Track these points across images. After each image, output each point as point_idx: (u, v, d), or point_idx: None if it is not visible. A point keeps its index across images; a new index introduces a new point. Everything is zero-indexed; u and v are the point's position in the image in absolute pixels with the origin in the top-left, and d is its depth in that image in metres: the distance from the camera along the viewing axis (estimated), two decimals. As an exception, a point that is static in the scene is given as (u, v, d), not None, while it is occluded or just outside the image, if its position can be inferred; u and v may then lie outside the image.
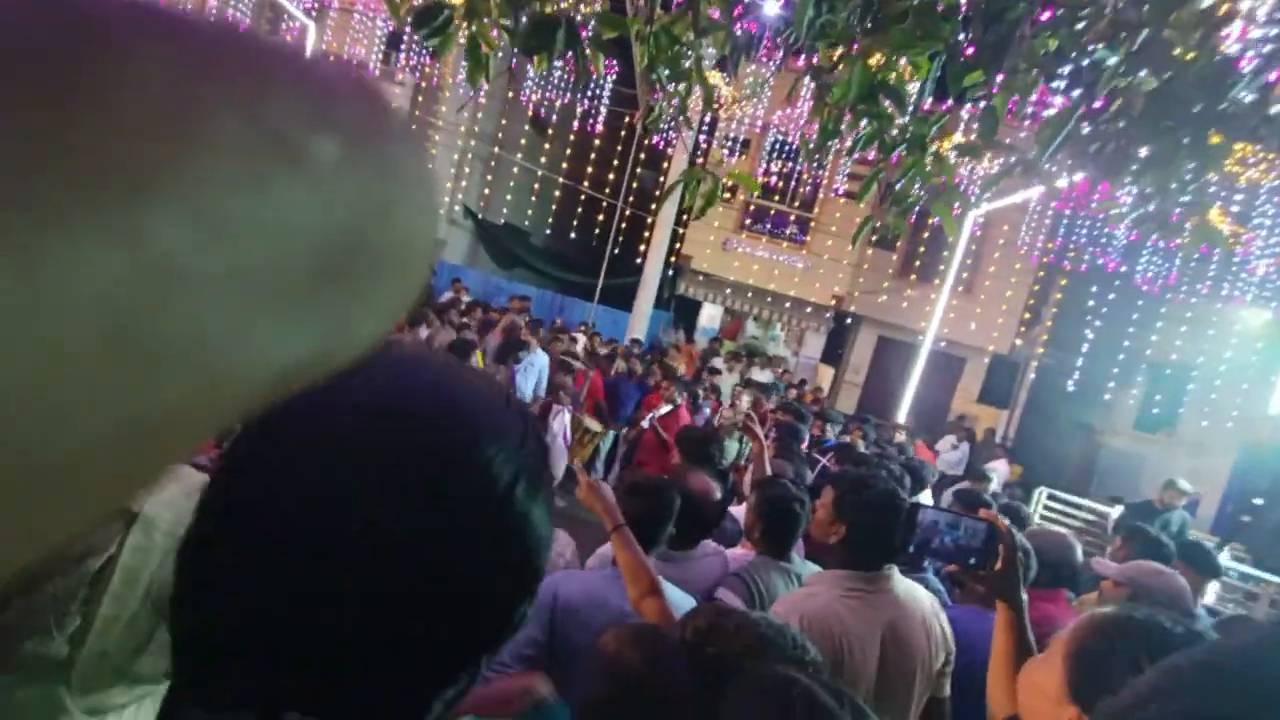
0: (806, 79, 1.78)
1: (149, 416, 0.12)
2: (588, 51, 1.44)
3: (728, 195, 11.15)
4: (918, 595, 1.59)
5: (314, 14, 9.62)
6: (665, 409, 5.25)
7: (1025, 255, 10.78)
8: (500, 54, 1.71)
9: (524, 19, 1.40)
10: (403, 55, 10.94)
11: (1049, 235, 10.50)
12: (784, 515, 1.87)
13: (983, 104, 1.73)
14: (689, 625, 0.95)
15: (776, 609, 1.54)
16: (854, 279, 11.67)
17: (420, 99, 11.14)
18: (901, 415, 8.54)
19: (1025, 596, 1.26)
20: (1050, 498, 7.83)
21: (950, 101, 2.04)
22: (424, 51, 10.52)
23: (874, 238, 11.58)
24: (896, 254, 11.66)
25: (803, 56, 1.80)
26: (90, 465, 0.12)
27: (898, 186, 1.96)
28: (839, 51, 1.60)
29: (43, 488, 0.11)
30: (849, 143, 1.71)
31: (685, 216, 9.73)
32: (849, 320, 12.27)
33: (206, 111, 0.13)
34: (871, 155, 2.09)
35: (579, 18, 1.37)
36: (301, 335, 0.15)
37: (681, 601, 1.58)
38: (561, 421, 5.39)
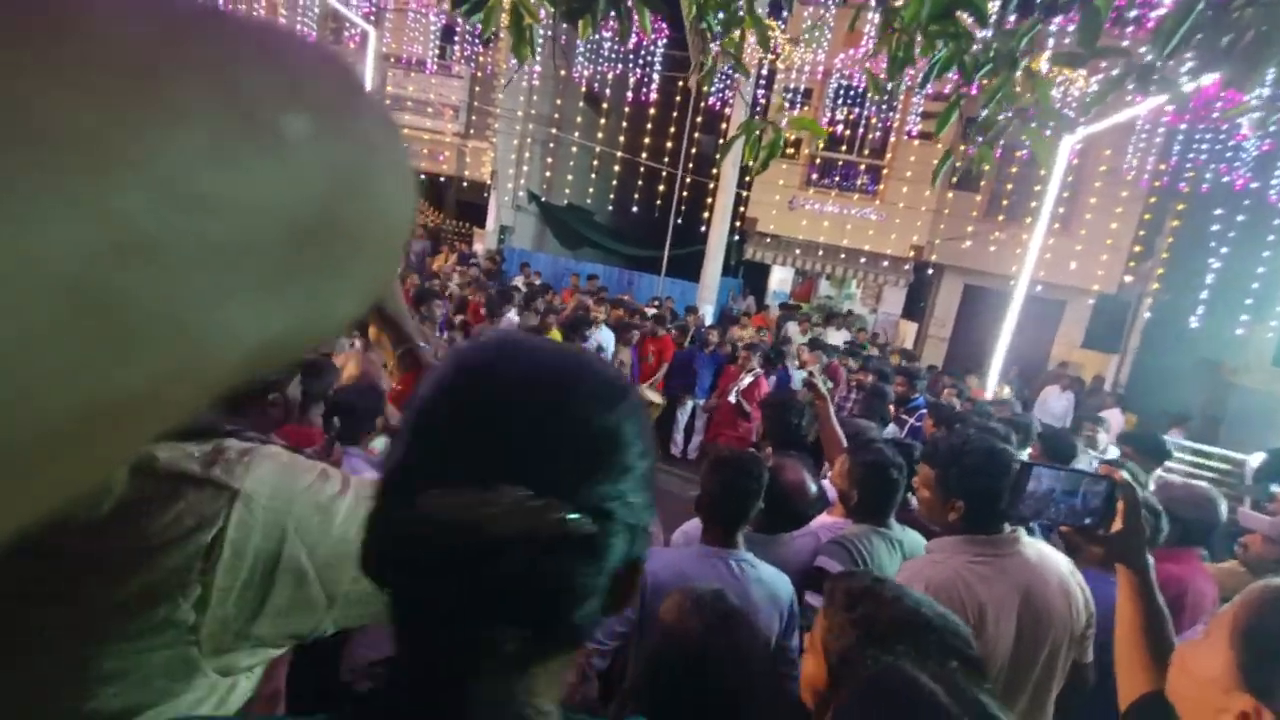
0: (871, 5, 1.61)
1: (121, 392, 0.13)
2: (633, 9, 1.36)
3: (790, 150, 10.68)
4: (1052, 556, 1.47)
5: (372, 19, 9.89)
6: (746, 380, 5.17)
7: (1132, 182, 9.69)
8: (548, 32, 1.66)
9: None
10: (457, 48, 11.10)
11: (1160, 156, 9.37)
12: (882, 481, 1.77)
13: (1078, 8, 1.50)
14: (840, 586, 0.91)
15: (898, 579, 1.47)
16: (934, 226, 10.94)
17: (476, 89, 11.29)
18: (995, 367, 7.99)
19: (1151, 559, 1.12)
20: (1174, 447, 7.11)
21: (1037, 13, 1.80)
22: (476, 42, 10.63)
23: (954, 179, 10.81)
24: (980, 194, 10.82)
25: (866, -18, 1.64)
26: (62, 440, 0.12)
27: (981, 115, 1.76)
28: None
29: (12, 462, 0.11)
30: (923, 72, 1.54)
31: (748, 178, 9.41)
32: (930, 271, 11.56)
33: (177, 85, 0.13)
34: (948, 87, 1.90)
35: (621, -28, 1.30)
36: (276, 311, 0.15)
37: (774, 579, 1.53)
38: None
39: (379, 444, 2.31)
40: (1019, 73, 1.51)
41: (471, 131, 11.40)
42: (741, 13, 1.56)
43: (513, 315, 5.88)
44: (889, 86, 1.73)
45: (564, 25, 1.39)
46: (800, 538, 1.89)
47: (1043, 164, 1.77)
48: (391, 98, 11.22)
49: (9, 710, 0.49)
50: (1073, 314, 10.95)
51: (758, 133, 1.60)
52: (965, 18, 1.42)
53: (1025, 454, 3.41)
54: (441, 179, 12.58)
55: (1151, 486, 2.66)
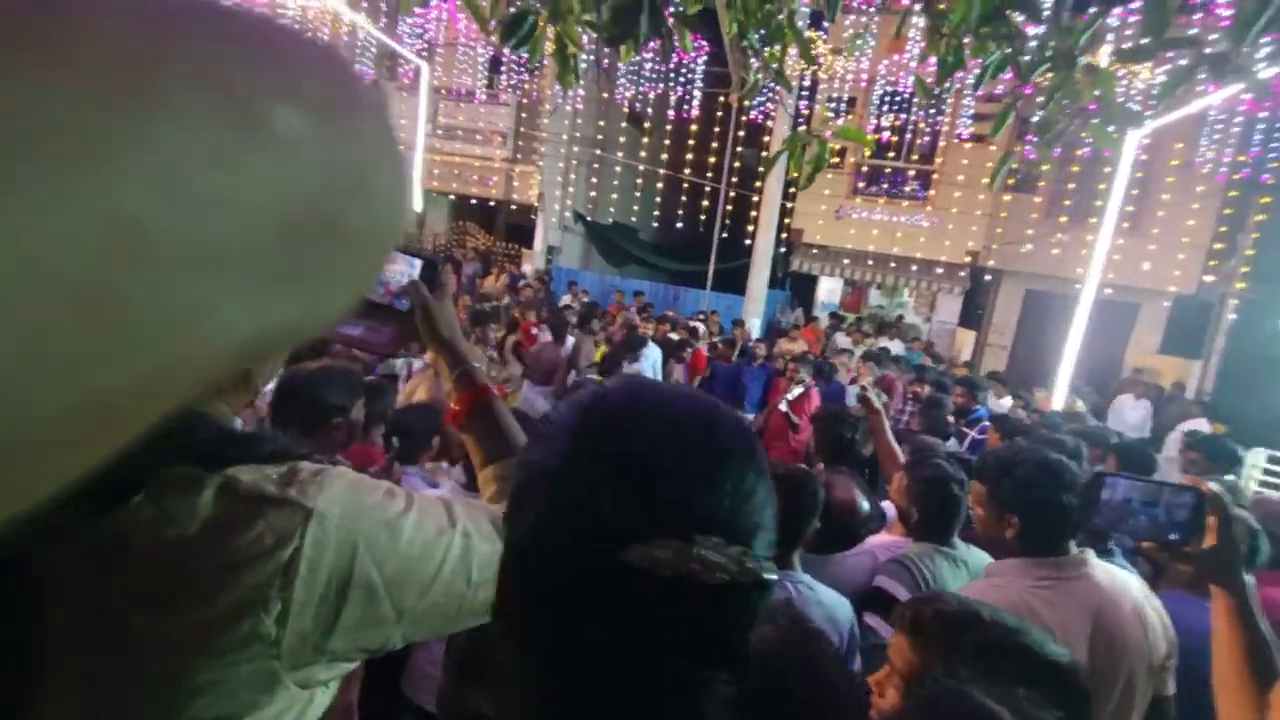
0: (916, 10, 1.58)
1: (114, 389, 0.13)
2: (674, 30, 1.38)
3: (836, 159, 10.53)
4: (1124, 579, 1.37)
5: (424, 54, 10.36)
6: (796, 391, 5.08)
7: (1209, 175, 9.11)
8: (590, 57, 1.69)
9: (604, 9, 1.37)
10: (503, 77, 11.49)
11: (1239, 147, 8.78)
12: (943, 498, 1.70)
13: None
14: (929, 607, 0.88)
15: None
16: (990, 230, 10.56)
17: (523, 115, 11.63)
18: (1064, 377, 7.57)
19: (1251, 580, 1.03)
20: (1272, 460, 6.51)
21: (1096, 7, 1.72)
22: (522, 71, 10.98)
23: (1011, 181, 10.42)
24: (1040, 195, 10.39)
25: (910, -13, 1.61)
26: (53, 436, 0.12)
27: (1035, 116, 1.69)
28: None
29: (10, 456, 0.12)
30: (974, 75, 1.49)
31: (792, 189, 9.33)
32: (988, 277, 11.13)
33: (173, 80, 0.13)
34: (1001, 88, 1.83)
35: (660, -4, 1.32)
36: (269, 307, 0.15)
37: (833, 602, 1.49)
38: None
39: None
40: (1079, 70, 1.45)
41: (519, 156, 11.73)
42: (784, 27, 1.56)
43: (570, 338, 5.97)
44: (937, 92, 1.69)
45: (606, 50, 1.42)
46: (854, 557, 1.83)
47: (1111, 157, 1.68)
48: (443, 127, 11.68)
49: (113, 718, 0.52)
50: (1148, 317, 10.33)
51: (802, 146, 1.59)
52: (1017, 17, 1.37)
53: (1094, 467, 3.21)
54: (491, 203, 12.96)
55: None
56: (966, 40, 1.45)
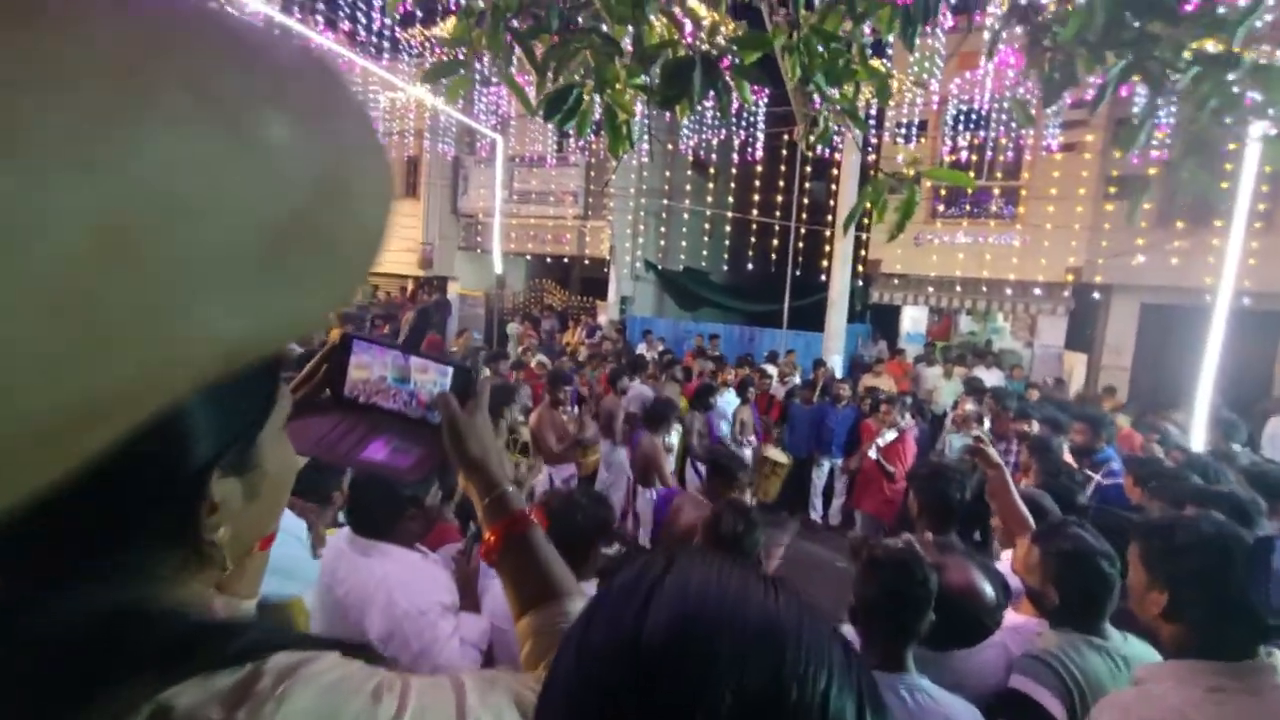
0: (1012, 24, 1.41)
1: (97, 389, 0.13)
2: (730, 84, 1.30)
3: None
4: None
5: (498, 127, 11.03)
6: (888, 436, 4.72)
7: (1356, 161, 8.00)
8: (647, 118, 1.65)
9: (656, 71, 1.32)
10: (572, 140, 11.99)
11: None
12: (1087, 577, 1.42)
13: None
14: None
15: (1095, 714, 1.15)
16: (1093, 243, 9.71)
17: (591, 174, 12.04)
18: (1203, 399, 6.65)
19: None
20: None
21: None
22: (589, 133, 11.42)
23: (1111, 189, 9.61)
24: (1148, 201, 9.49)
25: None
26: (37, 435, 0.13)
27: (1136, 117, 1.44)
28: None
29: None
30: (1094, 87, 1.29)
31: (866, 220, 9.01)
32: (1096, 295, 10.19)
33: (161, 89, 0.13)
34: (1089, 93, 1.60)
35: (713, 51, 1.25)
36: (252, 311, 0.15)
37: (959, 713, 1.25)
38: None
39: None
40: (1244, 69, 1.19)
41: (589, 213, 12.09)
42: (853, 65, 1.44)
43: (638, 384, 5.92)
44: (1050, 110, 1.49)
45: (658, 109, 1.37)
46: (981, 651, 1.56)
47: (1269, 164, 1.42)
48: (518, 192, 12.27)
49: None
50: (1298, 326, 9.06)
51: (881, 192, 1.44)
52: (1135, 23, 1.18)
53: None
54: (565, 259, 13.38)
55: None
56: (1079, 52, 1.27)
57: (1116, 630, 1.45)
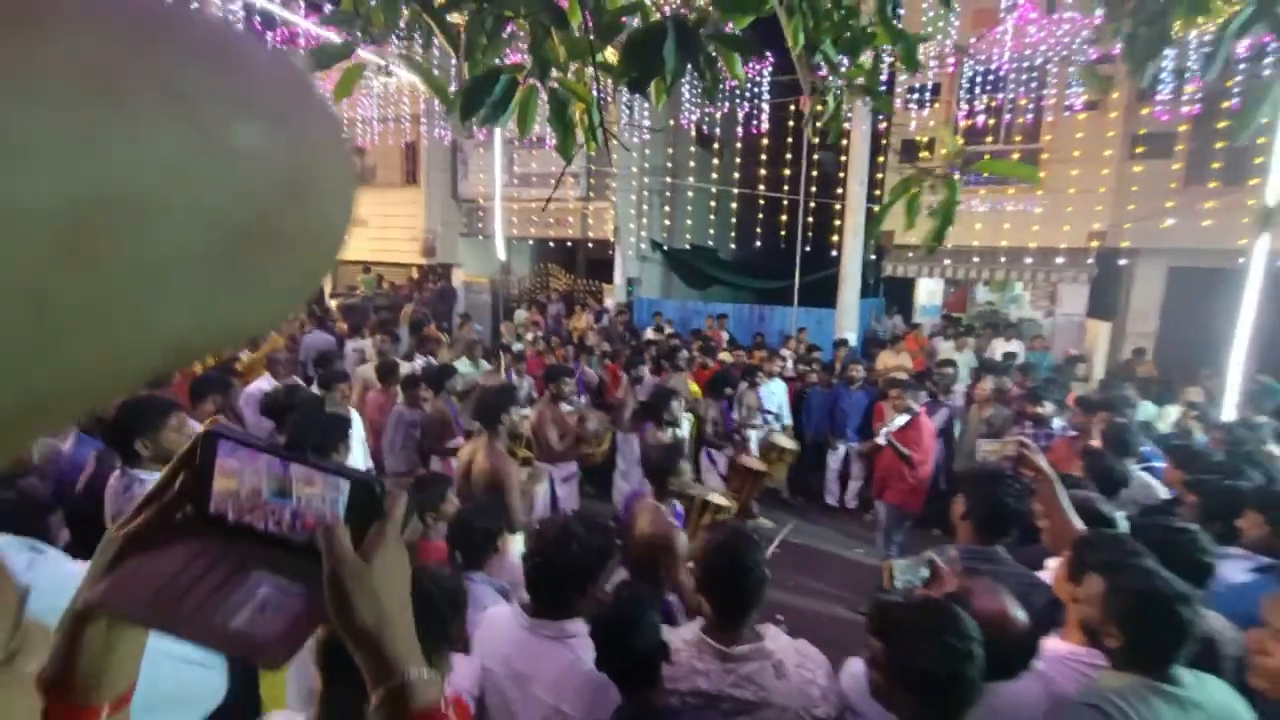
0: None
1: (49, 383, 0.13)
2: (716, 56, 1.08)
3: (925, 153, 9.71)
4: None
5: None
6: (898, 421, 4.49)
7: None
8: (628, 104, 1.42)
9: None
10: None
11: None
12: (1163, 624, 1.21)
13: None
14: None
15: None
16: (1117, 207, 9.29)
17: (592, 154, 11.73)
18: (1235, 365, 6.31)
19: None
20: None
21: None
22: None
23: (1139, 149, 9.16)
24: (1178, 161, 9.03)
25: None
26: None
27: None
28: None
29: None
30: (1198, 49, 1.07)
31: (877, 192, 8.65)
32: (1122, 261, 9.79)
33: (128, 91, 0.14)
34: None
35: (692, 15, 1.03)
36: (209, 309, 0.15)
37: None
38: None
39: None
40: None
41: (592, 194, 11.79)
42: (870, 28, 1.20)
43: (647, 374, 5.73)
44: (1144, 79, 1.25)
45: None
46: (1018, 685, 1.38)
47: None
48: (518, 175, 11.98)
49: None
50: (1337, 285, 8.62)
51: (915, 191, 1.22)
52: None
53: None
54: (569, 243, 13.11)
55: None
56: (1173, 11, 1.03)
57: (1188, 671, 1.25)
